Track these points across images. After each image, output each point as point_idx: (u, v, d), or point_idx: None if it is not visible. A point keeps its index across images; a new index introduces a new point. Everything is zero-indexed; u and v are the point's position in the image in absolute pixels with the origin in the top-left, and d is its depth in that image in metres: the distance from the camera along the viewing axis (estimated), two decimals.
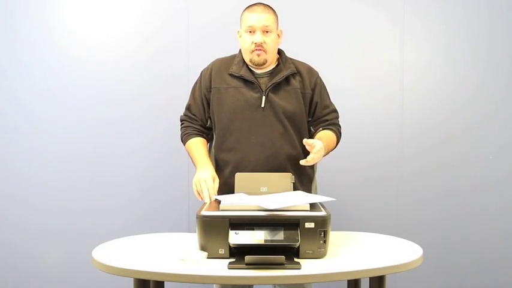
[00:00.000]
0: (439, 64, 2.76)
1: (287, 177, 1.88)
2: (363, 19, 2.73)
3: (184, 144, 2.09)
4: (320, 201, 1.71)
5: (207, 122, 2.08)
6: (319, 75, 2.10)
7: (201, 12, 2.71)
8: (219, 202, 1.70)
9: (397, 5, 2.73)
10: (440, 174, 2.76)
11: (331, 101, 2.12)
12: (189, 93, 2.12)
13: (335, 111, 2.12)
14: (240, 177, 1.88)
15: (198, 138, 2.05)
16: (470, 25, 2.74)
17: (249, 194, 1.81)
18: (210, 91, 2.03)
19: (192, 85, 2.12)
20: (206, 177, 1.87)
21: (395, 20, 2.73)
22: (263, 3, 2.02)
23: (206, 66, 2.10)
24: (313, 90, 2.05)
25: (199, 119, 2.07)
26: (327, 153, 1.98)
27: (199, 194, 1.87)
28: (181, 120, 2.13)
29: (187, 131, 2.07)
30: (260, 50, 1.95)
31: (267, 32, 1.95)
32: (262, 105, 1.97)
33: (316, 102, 2.06)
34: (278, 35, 2.02)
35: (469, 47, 2.74)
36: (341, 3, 2.73)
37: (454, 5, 2.73)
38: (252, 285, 2.00)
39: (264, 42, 1.95)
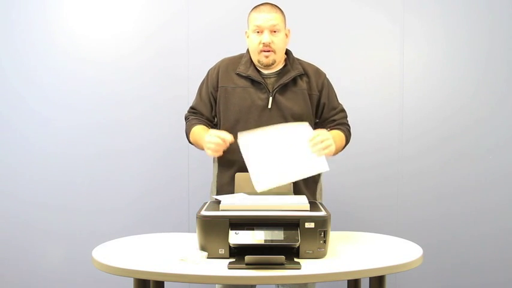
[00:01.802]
0: (439, 64, 2.76)
1: None
2: (362, 19, 2.73)
3: (188, 135, 2.04)
4: (312, 174, 1.76)
5: (214, 119, 2.07)
6: (327, 76, 2.08)
7: (201, 12, 2.71)
8: (219, 202, 1.70)
9: (397, 5, 2.73)
10: (440, 175, 2.76)
11: (339, 101, 2.11)
12: (195, 93, 2.10)
13: (343, 111, 2.09)
14: (240, 177, 1.88)
15: (203, 125, 2.02)
16: (470, 25, 2.74)
17: (249, 194, 1.81)
18: (217, 90, 2.02)
19: (199, 85, 2.10)
20: (211, 133, 1.83)
21: (395, 20, 2.73)
22: (270, 3, 1.99)
23: (213, 65, 2.08)
24: (320, 91, 2.04)
25: (205, 116, 2.05)
26: (337, 150, 1.93)
27: (216, 151, 1.80)
28: (186, 118, 2.10)
29: (192, 122, 2.04)
30: (268, 51, 1.94)
31: (274, 31, 1.93)
32: (269, 106, 1.96)
33: (324, 104, 2.05)
34: (286, 34, 2.00)
35: (469, 47, 2.74)
36: (341, 3, 2.73)
37: (454, 5, 2.73)
38: (254, 286, 1.99)
39: (272, 42, 1.93)
